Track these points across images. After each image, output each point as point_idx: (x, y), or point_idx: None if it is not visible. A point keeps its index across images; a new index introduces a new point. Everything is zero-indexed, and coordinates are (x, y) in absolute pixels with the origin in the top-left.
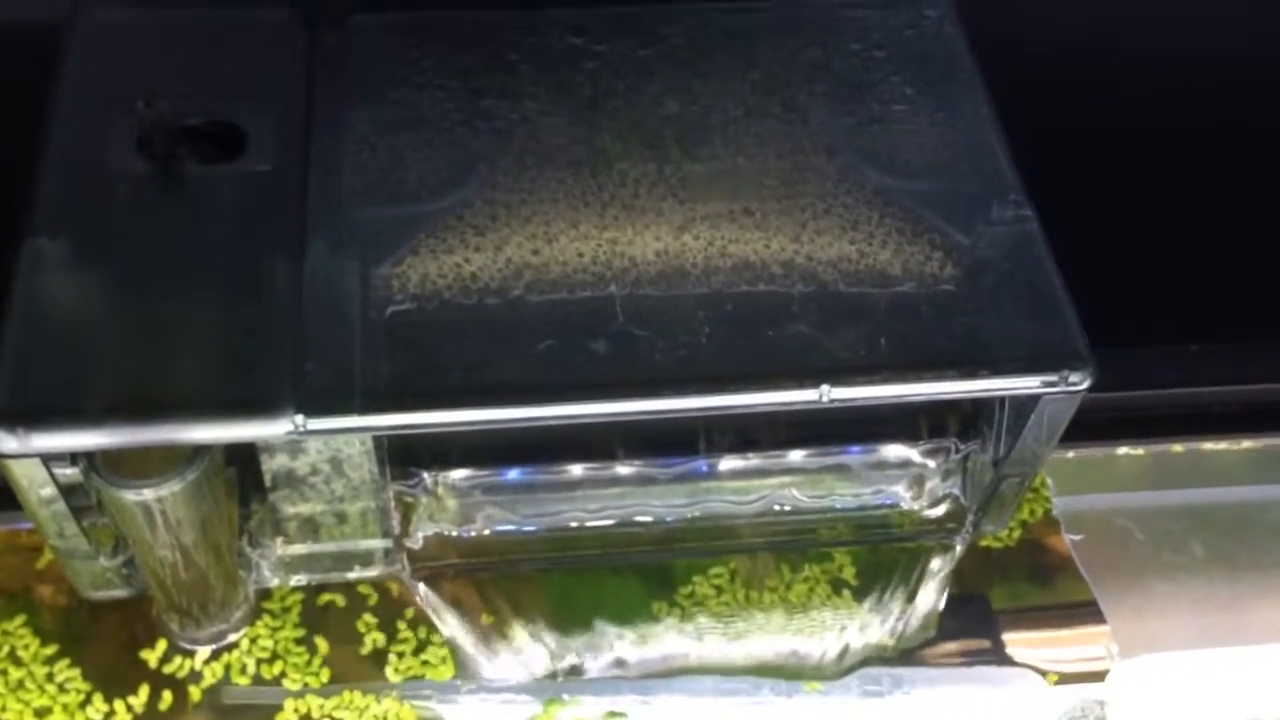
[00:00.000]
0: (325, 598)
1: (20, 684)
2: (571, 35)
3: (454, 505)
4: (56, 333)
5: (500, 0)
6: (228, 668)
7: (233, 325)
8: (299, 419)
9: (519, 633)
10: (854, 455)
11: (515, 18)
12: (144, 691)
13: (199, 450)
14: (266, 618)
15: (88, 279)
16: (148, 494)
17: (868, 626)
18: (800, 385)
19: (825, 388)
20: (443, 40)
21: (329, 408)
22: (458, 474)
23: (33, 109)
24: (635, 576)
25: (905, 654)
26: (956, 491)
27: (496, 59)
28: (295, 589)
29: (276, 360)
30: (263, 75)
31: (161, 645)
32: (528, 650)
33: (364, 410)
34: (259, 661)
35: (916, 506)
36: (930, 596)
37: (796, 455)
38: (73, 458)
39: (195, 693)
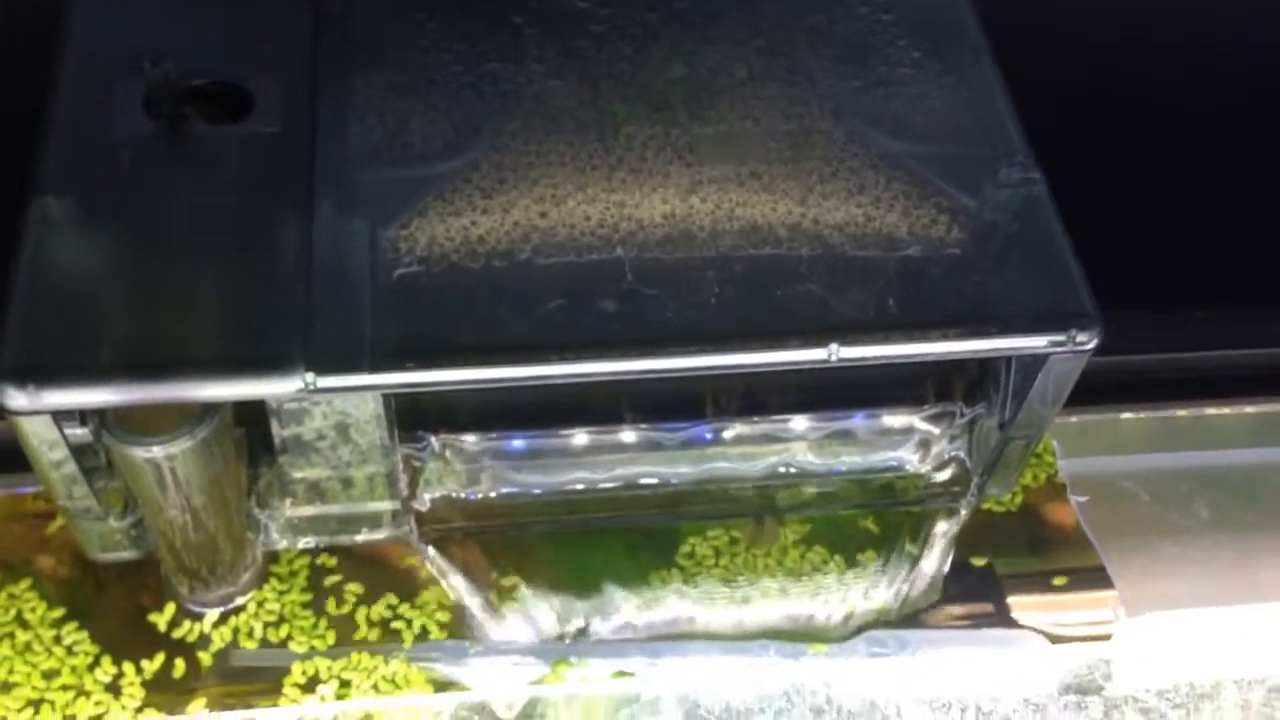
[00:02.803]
0: (332, 560)
1: (28, 646)
2: None
3: (461, 469)
4: (66, 291)
5: None
6: (235, 631)
7: (242, 285)
8: (309, 377)
9: (526, 595)
10: (859, 420)
11: None
12: (153, 653)
13: (209, 409)
14: (274, 581)
15: (96, 238)
16: (158, 451)
17: (872, 590)
18: (809, 344)
19: (834, 346)
20: (447, 3)
21: (339, 366)
22: (465, 438)
23: (39, 69)
24: (642, 540)
25: (910, 617)
26: (962, 455)
27: (502, 22)
28: (302, 552)
29: (286, 320)
30: (268, 37)
31: (170, 609)
32: (535, 612)
33: (374, 369)
34: (266, 625)
35: (922, 470)
36: (935, 560)
37: (802, 421)
38: (83, 417)
39: (205, 656)
